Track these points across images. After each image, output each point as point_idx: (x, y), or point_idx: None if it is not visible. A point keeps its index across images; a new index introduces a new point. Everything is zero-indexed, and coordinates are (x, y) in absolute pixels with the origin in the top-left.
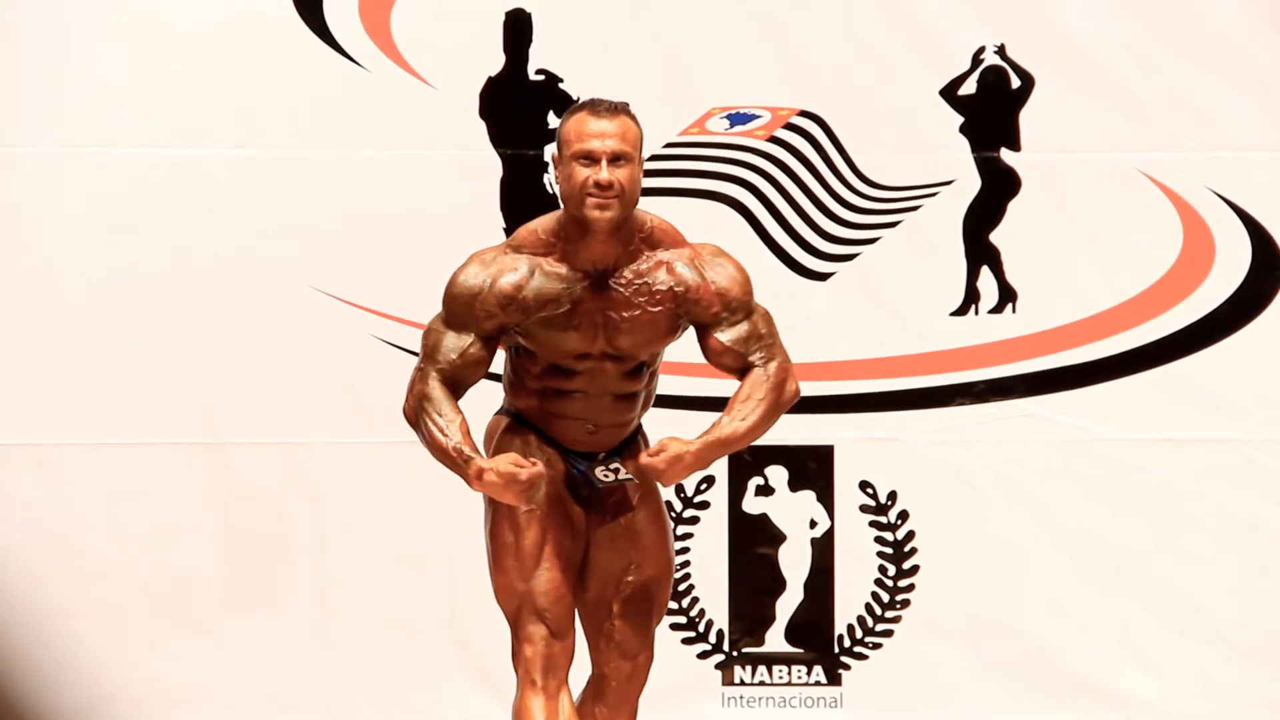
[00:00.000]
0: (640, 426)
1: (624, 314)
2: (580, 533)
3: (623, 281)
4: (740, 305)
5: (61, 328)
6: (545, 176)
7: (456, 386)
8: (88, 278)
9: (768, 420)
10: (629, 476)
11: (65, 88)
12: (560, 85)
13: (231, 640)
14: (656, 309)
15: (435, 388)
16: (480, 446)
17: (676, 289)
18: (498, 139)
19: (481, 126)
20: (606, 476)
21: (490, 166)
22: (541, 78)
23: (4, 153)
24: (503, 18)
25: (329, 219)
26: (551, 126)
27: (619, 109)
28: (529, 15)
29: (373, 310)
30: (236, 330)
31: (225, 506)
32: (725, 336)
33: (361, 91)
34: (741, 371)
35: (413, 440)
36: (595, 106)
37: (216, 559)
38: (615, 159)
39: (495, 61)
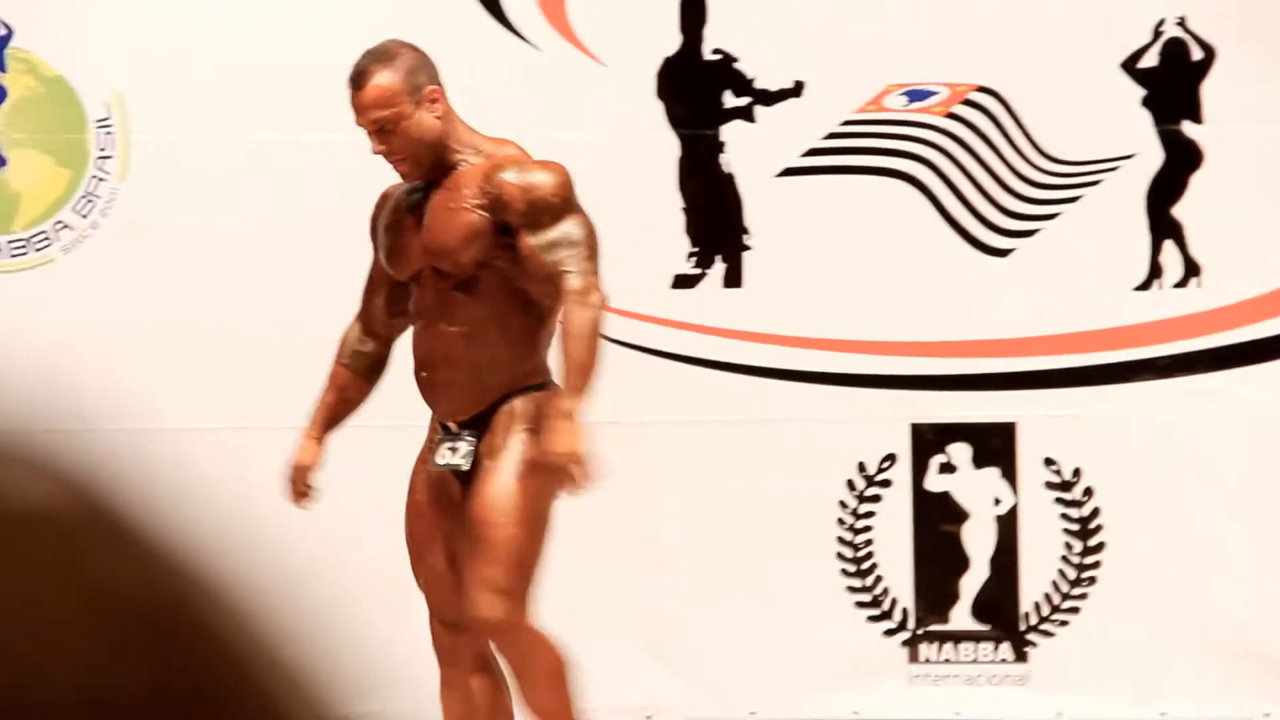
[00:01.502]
0: (516, 403)
1: (439, 214)
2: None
3: (447, 186)
4: (548, 207)
5: (248, 313)
6: (721, 156)
7: (370, 326)
8: (264, 264)
9: (593, 350)
10: (458, 463)
11: (233, 73)
12: (735, 64)
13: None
14: (470, 207)
15: (347, 331)
16: None
17: (489, 189)
18: (674, 119)
19: (657, 106)
20: (441, 459)
21: (666, 146)
22: (718, 57)
23: (178, 138)
24: None
25: None
26: (727, 106)
27: (364, 74)
28: None
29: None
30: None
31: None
32: (534, 239)
33: (535, 72)
34: (554, 282)
35: (591, 421)
36: (351, 77)
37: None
38: (380, 128)
39: (671, 41)
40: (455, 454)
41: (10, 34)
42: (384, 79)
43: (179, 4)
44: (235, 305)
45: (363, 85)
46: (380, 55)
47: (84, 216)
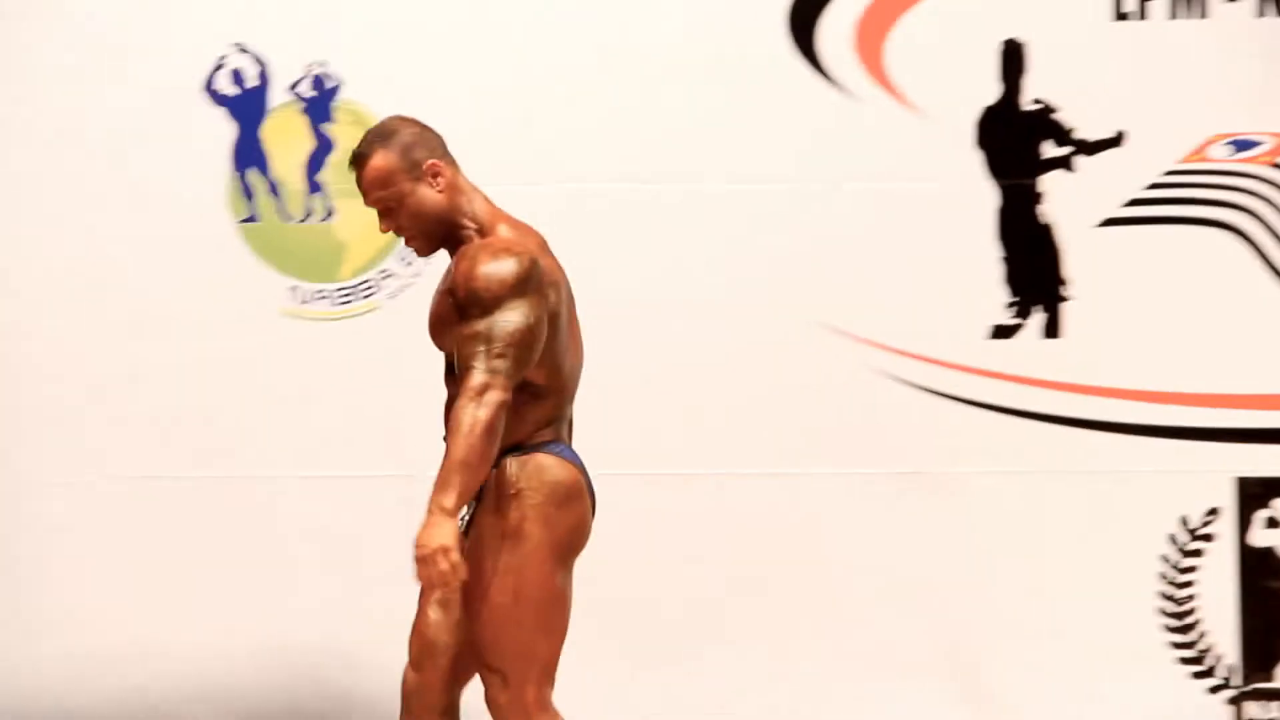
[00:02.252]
0: (509, 472)
1: (436, 292)
2: None
3: (451, 262)
4: (477, 300)
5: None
6: (1039, 206)
7: None
8: (581, 310)
9: (477, 446)
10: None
11: (565, 123)
12: (1055, 114)
13: (701, 671)
14: (444, 291)
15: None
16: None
17: (456, 278)
18: (994, 169)
19: (973, 156)
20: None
21: (983, 196)
22: (1038, 106)
23: (512, 190)
24: (999, 46)
25: (821, 251)
26: (1047, 156)
27: (362, 156)
28: (1025, 44)
29: (869, 342)
30: (733, 362)
31: (718, 535)
32: (461, 329)
33: (852, 121)
34: (461, 378)
35: (910, 471)
36: (351, 159)
37: (708, 587)
38: (382, 209)
39: (990, 90)
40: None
41: (339, 86)
42: (380, 160)
43: (506, 54)
44: None
45: (362, 167)
46: (378, 134)
47: (408, 265)
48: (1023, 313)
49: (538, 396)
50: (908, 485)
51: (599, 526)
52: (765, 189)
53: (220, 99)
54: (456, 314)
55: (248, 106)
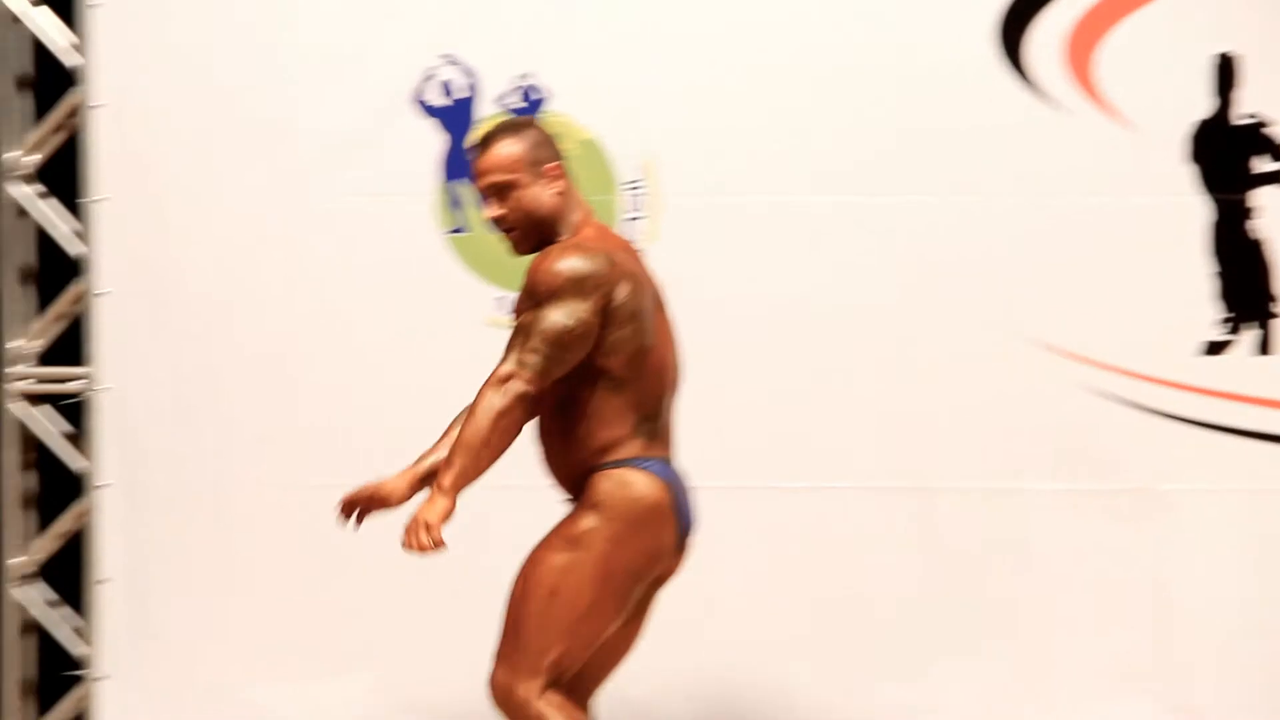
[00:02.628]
0: (597, 483)
1: None
2: None
3: None
4: (532, 293)
5: (766, 369)
6: (1250, 222)
7: None
8: (788, 321)
9: (484, 431)
10: None
11: (768, 134)
12: (1267, 129)
13: (936, 687)
14: None
15: None
16: None
17: (527, 271)
18: (1207, 183)
19: (1184, 170)
20: None
21: (1193, 211)
22: (1250, 121)
23: (717, 201)
24: (1212, 60)
25: (1028, 266)
26: (1259, 171)
27: (490, 139)
28: (1238, 58)
29: (1080, 357)
30: (940, 376)
31: (927, 551)
32: (518, 318)
33: (1062, 135)
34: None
35: (1119, 489)
36: (478, 141)
37: (916, 603)
38: (495, 191)
39: (1202, 104)
40: None
41: (545, 99)
42: (508, 146)
43: (711, 67)
44: (765, 368)
45: (487, 149)
46: (510, 125)
47: None
48: (1235, 329)
49: (617, 388)
50: (1117, 502)
51: (812, 538)
52: (969, 202)
53: (430, 110)
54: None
55: (457, 117)
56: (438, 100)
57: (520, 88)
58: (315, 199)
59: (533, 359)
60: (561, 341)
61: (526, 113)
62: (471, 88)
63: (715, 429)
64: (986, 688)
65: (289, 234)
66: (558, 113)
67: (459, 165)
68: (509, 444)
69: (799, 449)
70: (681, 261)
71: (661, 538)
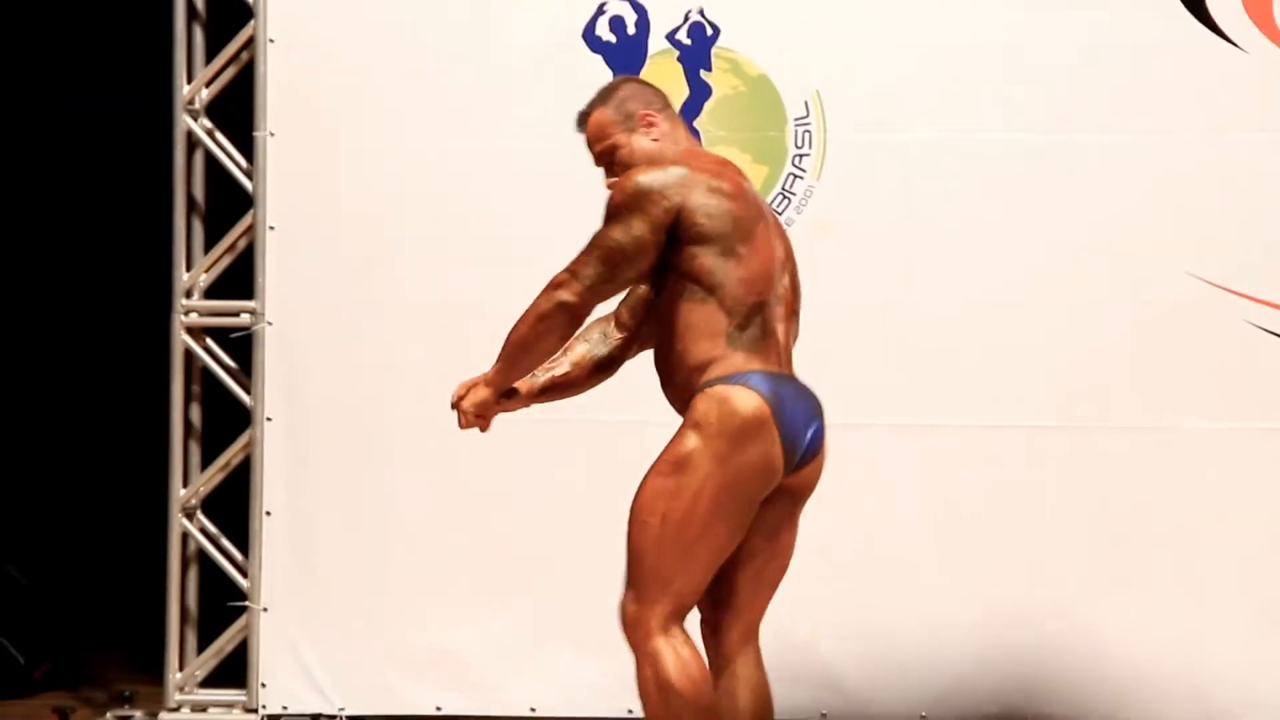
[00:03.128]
0: (696, 403)
1: None
2: None
3: None
4: (605, 208)
5: (925, 306)
6: None
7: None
8: (957, 263)
9: (523, 331)
10: None
11: (939, 73)
12: None
13: (1094, 623)
14: None
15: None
16: None
17: None
18: None
19: None
20: None
21: None
22: None
23: (881, 139)
24: None
25: (1203, 203)
26: None
27: (583, 116)
28: None
29: (1247, 296)
30: (1111, 315)
31: (1085, 489)
32: None
33: (1241, 75)
34: None
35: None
36: (577, 120)
37: (1075, 540)
38: (604, 162)
39: None
40: None
41: (717, 34)
42: (597, 115)
43: (879, 3)
44: (928, 304)
45: (584, 126)
46: (599, 93)
47: (780, 213)
48: None
49: (704, 299)
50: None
51: (971, 475)
52: (1148, 140)
53: (598, 46)
54: None
55: (625, 54)
56: (607, 36)
57: (690, 23)
58: (482, 136)
59: (587, 271)
60: (613, 258)
61: (696, 49)
62: (641, 24)
63: (872, 365)
64: (1147, 624)
65: (455, 170)
66: (728, 49)
67: None
68: (549, 349)
69: (958, 388)
70: (844, 198)
71: (766, 452)
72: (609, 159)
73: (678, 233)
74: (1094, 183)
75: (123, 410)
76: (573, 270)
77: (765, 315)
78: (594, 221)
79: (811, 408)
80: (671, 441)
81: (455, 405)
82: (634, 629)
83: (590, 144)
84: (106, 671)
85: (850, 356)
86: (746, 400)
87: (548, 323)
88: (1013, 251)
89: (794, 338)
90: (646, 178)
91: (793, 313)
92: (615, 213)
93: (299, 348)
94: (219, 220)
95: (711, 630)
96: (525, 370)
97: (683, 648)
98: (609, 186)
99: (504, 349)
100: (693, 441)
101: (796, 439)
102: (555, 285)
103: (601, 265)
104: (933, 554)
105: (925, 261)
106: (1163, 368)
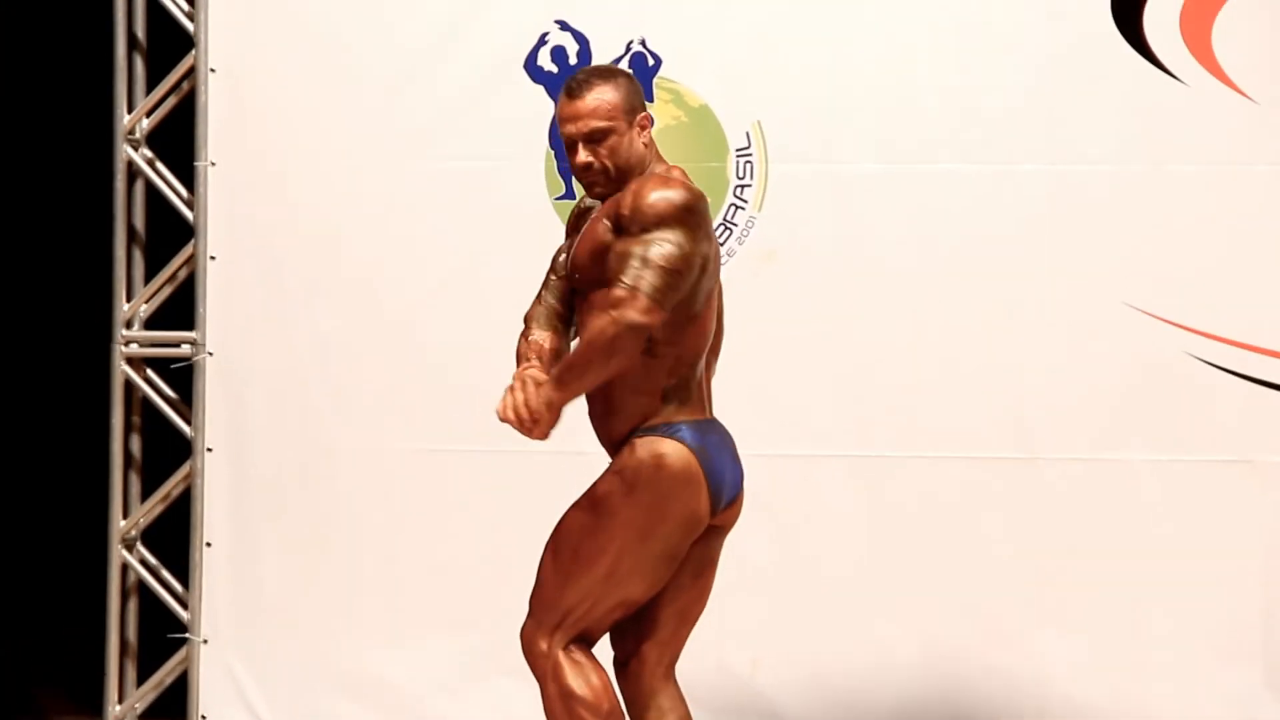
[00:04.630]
0: (625, 451)
1: (587, 227)
2: None
3: (599, 208)
4: (642, 217)
5: (868, 335)
6: None
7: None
8: (897, 295)
9: (588, 355)
10: None
11: (881, 103)
12: None
13: (1036, 655)
14: (603, 219)
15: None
16: None
17: (620, 200)
18: None
19: None
20: None
21: None
22: None
23: (826, 170)
24: None
25: (1145, 235)
26: None
27: (585, 84)
28: None
29: (1188, 328)
30: (1046, 344)
31: (1033, 519)
32: (618, 244)
33: (1177, 106)
34: (607, 289)
35: (1229, 459)
36: (568, 87)
37: (1018, 571)
38: (591, 138)
39: None
40: None
41: (659, 64)
42: (607, 93)
43: (819, 33)
44: (870, 335)
45: (583, 95)
46: (603, 72)
47: (721, 244)
48: None
49: (652, 353)
50: (1226, 473)
51: (913, 506)
52: (1085, 170)
53: (540, 76)
54: (614, 234)
55: None
56: (548, 66)
57: (632, 54)
58: (424, 164)
59: (648, 282)
60: (675, 267)
61: (638, 79)
62: (582, 54)
63: (815, 397)
64: (1090, 655)
65: (397, 199)
66: (670, 80)
67: None
68: (616, 370)
69: (900, 419)
70: (785, 228)
71: (693, 503)
72: (597, 140)
73: None
74: (1036, 214)
75: (62, 441)
76: (638, 289)
77: (700, 367)
78: (537, 250)
79: (733, 451)
80: (598, 480)
81: (519, 406)
82: (532, 650)
83: (585, 115)
84: (46, 703)
85: (791, 388)
86: (677, 455)
87: (620, 342)
88: (954, 283)
89: (713, 372)
90: (692, 197)
91: (716, 352)
92: (664, 222)
93: (240, 378)
94: (160, 250)
95: (634, 666)
96: (582, 391)
97: (582, 658)
98: (594, 175)
99: (566, 371)
100: (617, 486)
101: (723, 485)
102: (617, 304)
103: (664, 275)
104: (874, 585)
105: (866, 293)
106: (1104, 400)
